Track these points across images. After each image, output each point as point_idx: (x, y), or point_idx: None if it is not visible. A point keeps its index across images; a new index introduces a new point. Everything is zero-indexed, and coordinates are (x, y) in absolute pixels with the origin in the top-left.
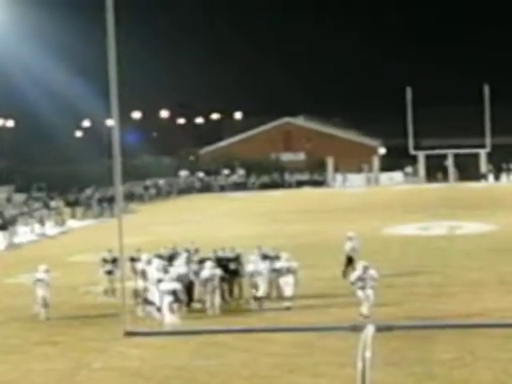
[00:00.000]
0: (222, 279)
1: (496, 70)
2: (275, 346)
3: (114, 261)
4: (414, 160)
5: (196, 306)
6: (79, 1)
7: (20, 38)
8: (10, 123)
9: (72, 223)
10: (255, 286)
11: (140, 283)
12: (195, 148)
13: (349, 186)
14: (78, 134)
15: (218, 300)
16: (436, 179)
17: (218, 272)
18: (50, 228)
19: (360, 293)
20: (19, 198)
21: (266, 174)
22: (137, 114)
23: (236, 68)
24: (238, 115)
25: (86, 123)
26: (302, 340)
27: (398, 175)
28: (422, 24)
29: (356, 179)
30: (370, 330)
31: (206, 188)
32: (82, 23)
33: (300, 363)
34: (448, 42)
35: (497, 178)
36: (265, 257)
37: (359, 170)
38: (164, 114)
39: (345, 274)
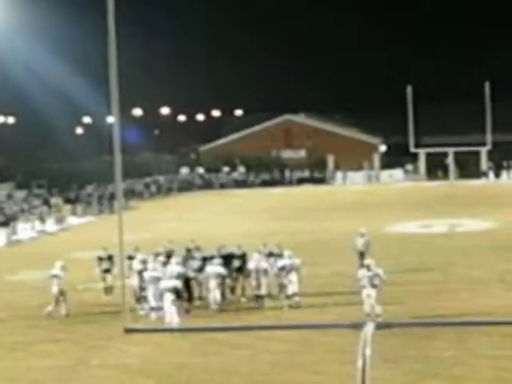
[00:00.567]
0: (224, 277)
1: (497, 67)
2: (275, 344)
3: (110, 258)
4: (414, 158)
5: (196, 303)
6: None
7: (20, 35)
8: (11, 120)
9: (72, 220)
10: (257, 284)
11: (135, 282)
12: (196, 145)
13: (349, 184)
14: (79, 130)
15: (218, 297)
16: (436, 177)
17: (221, 270)
18: (51, 225)
19: (364, 291)
20: (20, 194)
21: (267, 172)
22: (137, 111)
23: (237, 65)
24: (238, 112)
25: (87, 120)
26: (302, 337)
27: (398, 173)
28: (423, 21)
29: (356, 177)
30: (369, 327)
31: (206, 185)
32: (82, 19)
33: (300, 360)
34: (449, 39)
35: (497, 175)
36: (270, 254)
37: (360, 168)
38: (165, 111)
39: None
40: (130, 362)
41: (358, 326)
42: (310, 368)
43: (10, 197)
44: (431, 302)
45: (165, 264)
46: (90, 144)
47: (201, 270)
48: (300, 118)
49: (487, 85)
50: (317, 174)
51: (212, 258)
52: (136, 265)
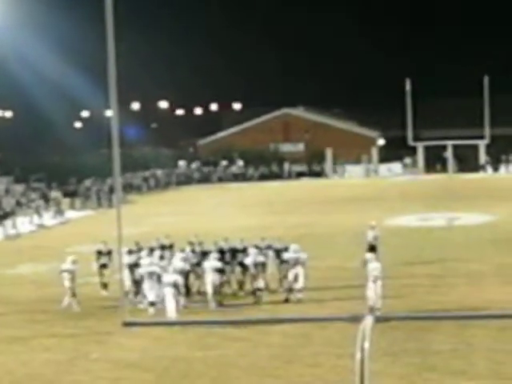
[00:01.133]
0: (222, 271)
1: (496, 61)
2: (273, 337)
3: (109, 253)
4: (413, 151)
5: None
6: None
7: (18, 29)
8: (9, 114)
9: (71, 214)
10: (255, 278)
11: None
12: (194, 139)
13: (348, 177)
14: (77, 124)
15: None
16: (435, 170)
17: (218, 264)
18: (49, 219)
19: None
20: (18, 188)
21: (265, 165)
22: (135, 105)
23: (235, 59)
24: (236, 106)
25: (85, 114)
26: (301, 331)
27: (396, 166)
28: (422, 15)
29: (355, 170)
30: (368, 320)
31: (204, 179)
32: (80, 14)
33: (298, 354)
34: (447, 32)
35: (495, 169)
36: (268, 247)
37: (358, 161)
38: (163, 104)
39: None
40: (128, 355)
41: (356, 320)
42: (309, 361)
43: (8, 191)
44: (429, 296)
45: (161, 258)
46: (89, 138)
47: (199, 264)
48: (298, 112)
49: (486, 78)
50: (315, 167)
51: (210, 252)
52: (125, 258)
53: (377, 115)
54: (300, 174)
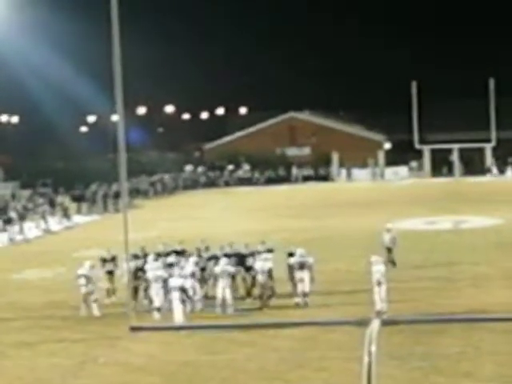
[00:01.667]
0: (234, 276)
1: (501, 63)
2: (281, 341)
3: (113, 259)
4: (419, 154)
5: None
6: None
7: (24, 34)
8: (15, 119)
9: (77, 218)
10: (263, 285)
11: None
12: (200, 143)
13: (354, 181)
14: (83, 129)
15: (229, 297)
16: (441, 174)
17: (231, 269)
18: (55, 224)
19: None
20: (25, 194)
21: (271, 169)
22: (142, 110)
23: (241, 63)
24: (243, 110)
25: (91, 118)
26: (307, 335)
27: (403, 170)
28: (427, 17)
29: (361, 174)
30: (375, 324)
31: (211, 183)
32: (86, 18)
33: (305, 358)
34: (453, 35)
35: (501, 171)
36: (269, 251)
37: (364, 165)
38: (169, 109)
39: (393, 263)
40: (136, 360)
41: (363, 323)
42: (316, 365)
43: (14, 196)
44: (436, 299)
45: (170, 265)
46: (95, 143)
47: (204, 269)
48: (304, 116)
49: (492, 81)
50: (321, 171)
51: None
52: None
53: (383, 119)
54: (306, 178)
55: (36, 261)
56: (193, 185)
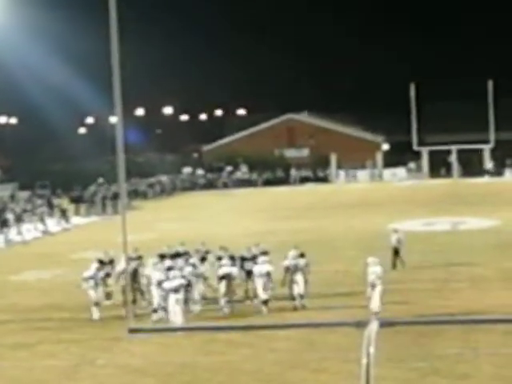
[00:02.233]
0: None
1: (500, 65)
2: (278, 342)
3: (111, 262)
4: (417, 156)
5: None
6: (82, 0)
7: (23, 36)
8: (14, 120)
9: (76, 220)
10: (263, 288)
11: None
12: (198, 145)
13: (352, 182)
14: (82, 130)
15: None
16: (440, 175)
17: (234, 271)
18: (54, 225)
19: (368, 289)
20: (23, 195)
21: (270, 171)
22: (140, 111)
23: (239, 64)
24: (241, 111)
25: (90, 120)
26: (305, 336)
27: (401, 171)
28: (426, 19)
29: (359, 175)
30: (373, 325)
31: (209, 185)
32: (84, 20)
33: (303, 359)
34: (451, 37)
35: (499, 173)
36: (264, 253)
37: (363, 166)
38: (167, 110)
39: (394, 265)
40: (134, 361)
41: (361, 325)
42: (314, 366)
43: (13, 197)
44: (434, 300)
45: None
46: (93, 144)
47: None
48: (303, 117)
49: (490, 83)
50: (320, 172)
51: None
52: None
53: (381, 120)
54: (305, 180)
55: (34, 262)
56: (191, 186)
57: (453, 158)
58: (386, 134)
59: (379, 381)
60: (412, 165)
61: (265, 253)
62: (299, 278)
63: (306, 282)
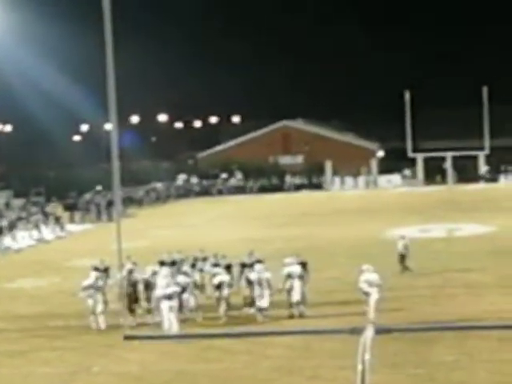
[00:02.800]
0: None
1: (495, 71)
2: (274, 349)
3: (106, 270)
4: (412, 162)
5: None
6: (76, 7)
7: (18, 44)
8: (8, 128)
9: (70, 227)
10: (260, 295)
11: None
12: (193, 152)
13: (347, 189)
14: (77, 138)
15: (223, 307)
16: (435, 182)
17: (227, 279)
18: (48, 233)
19: (364, 296)
20: (18, 202)
21: (265, 178)
22: (135, 118)
23: (234, 71)
24: (235, 119)
25: (84, 127)
26: (301, 343)
27: (396, 178)
28: (421, 26)
29: (354, 182)
30: (369, 332)
31: (204, 192)
32: (79, 28)
33: (299, 366)
34: (447, 43)
35: (494, 179)
36: (258, 262)
37: (357, 173)
38: (162, 118)
39: (405, 268)
40: (130, 368)
41: (357, 332)
42: (310, 373)
43: (7, 205)
44: (430, 307)
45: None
46: (88, 151)
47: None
48: (297, 124)
49: (485, 89)
50: (315, 179)
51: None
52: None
53: (376, 127)
54: (299, 187)
55: (29, 270)
56: (186, 193)
57: (448, 165)
58: (380, 141)
59: None
60: (407, 171)
61: (259, 261)
62: (297, 284)
63: (305, 289)
